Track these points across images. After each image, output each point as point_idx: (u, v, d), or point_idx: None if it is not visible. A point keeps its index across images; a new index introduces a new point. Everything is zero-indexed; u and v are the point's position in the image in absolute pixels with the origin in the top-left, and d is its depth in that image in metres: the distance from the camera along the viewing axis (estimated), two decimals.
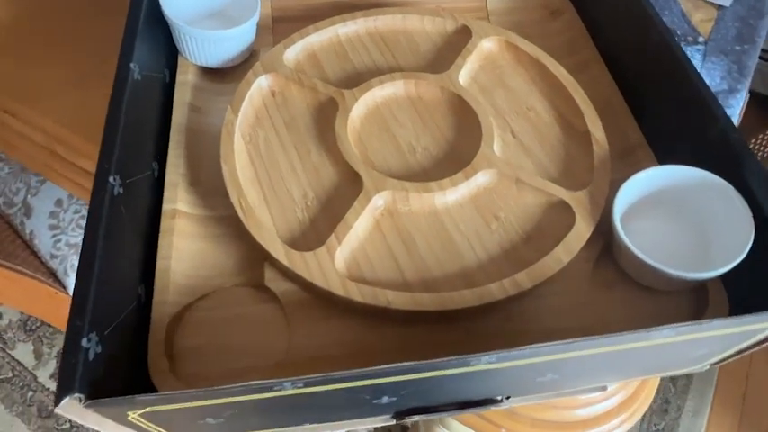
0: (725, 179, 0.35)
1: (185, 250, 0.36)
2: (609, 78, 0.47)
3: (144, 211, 0.37)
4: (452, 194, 0.37)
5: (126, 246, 0.33)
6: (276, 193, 0.37)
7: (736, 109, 0.57)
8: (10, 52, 0.56)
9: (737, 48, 0.62)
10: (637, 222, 0.36)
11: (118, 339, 0.30)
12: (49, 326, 0.95)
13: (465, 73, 0.44)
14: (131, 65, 0.37)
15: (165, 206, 0.37)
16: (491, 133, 0.39)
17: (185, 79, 0.44)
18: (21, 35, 0.58)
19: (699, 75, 0.39)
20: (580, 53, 0.49)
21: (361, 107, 0.41)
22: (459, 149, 0.40)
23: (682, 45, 0.61)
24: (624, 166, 0.41)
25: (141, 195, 0.36)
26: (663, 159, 0.42)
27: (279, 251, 0.33)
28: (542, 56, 0.44)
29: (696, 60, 0.61)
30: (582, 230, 0.35)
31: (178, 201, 0.38)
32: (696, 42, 0.63)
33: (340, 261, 0.34)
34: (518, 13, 0.52)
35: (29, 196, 0.84)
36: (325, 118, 0.41)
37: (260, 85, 0.42)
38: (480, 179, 0.37)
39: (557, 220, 0.36)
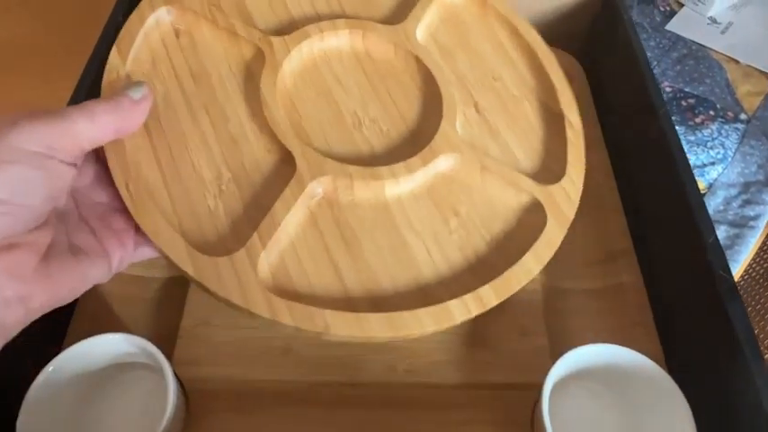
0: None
1: None
2: (608, 168, 0.41)
3: None
4: (407, 183, 0.30)
5: None
6: (180, 172, 0.28)
7: None
8: (18, 69, 0.58)
9: None
10: (565, 401, 0.31)
11: None
12: None
13: (423, 27, 0.36)
14: None
15: None
16: (454, 108, 0.33)
17: None
18: (27, 51, 0.59)
19: (694, 185, 0.33)
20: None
21: (294, 61, 0.32)
22: (414, 124, 0.32)
23: (719, 122, 0.52)
24: (600, 275, 0.36)
25: None
26: (648, 276, 0.36)
27: (181, 254, 0.25)
28: (514, 16, 0.37)
29: (732, 141, 0.52)
30: (554, 235, 0.30)
31: None
32: (737, 119, 0.53)
33: (264, 268, 0.26)
34: None
35: None
36: (248, 72, 0.32)
37: (158, 19, 0.31)
38: (440, 165, 0.31)
39: (525, 218, 0.31)
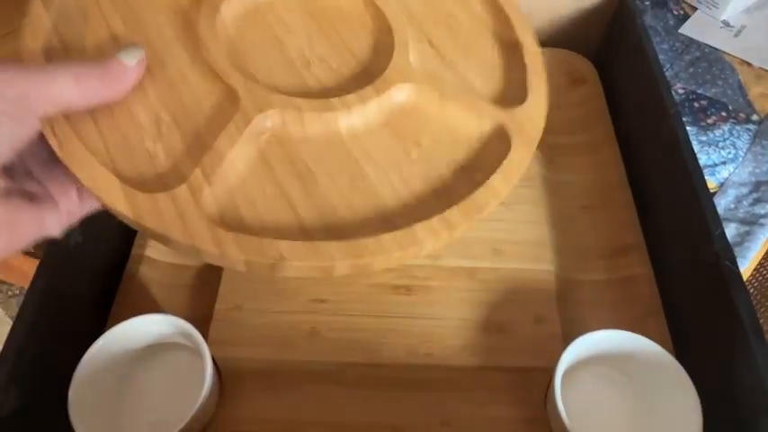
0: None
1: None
2: (620, 165, 0.42)
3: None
4: (361, 115, 0.28)
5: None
6: (114, 117, 0.26)
7: None
8: None
9: None
10: (577, 384, 0.32)
11: None
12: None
13: None
14: None
15: (134, 251, 0.36)
16: (406, 41, 0.31)
17: None
18: None
19: (702, 181, 0.34)
20: (595, 130, 0.45)
21: (234, 5, 0.31)
22: (366, 61, 0.31)
23: (730, 123, 0.54)
24: (612, 267, 0.37)
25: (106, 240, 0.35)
26: (658, 268, 0.37)
27: (114, 192, 0.23)
28: None
29: (743, 142, 0.52)
30: (521, 155, 0.28)
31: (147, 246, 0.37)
32: (748, 121, 0.53)
33: (210, 204, 0.24)
34: None
35: None
36: (185, 18, 0.30)
37: None
38: (395, 96, 0.29)
39: (489, 144, 0.29)
